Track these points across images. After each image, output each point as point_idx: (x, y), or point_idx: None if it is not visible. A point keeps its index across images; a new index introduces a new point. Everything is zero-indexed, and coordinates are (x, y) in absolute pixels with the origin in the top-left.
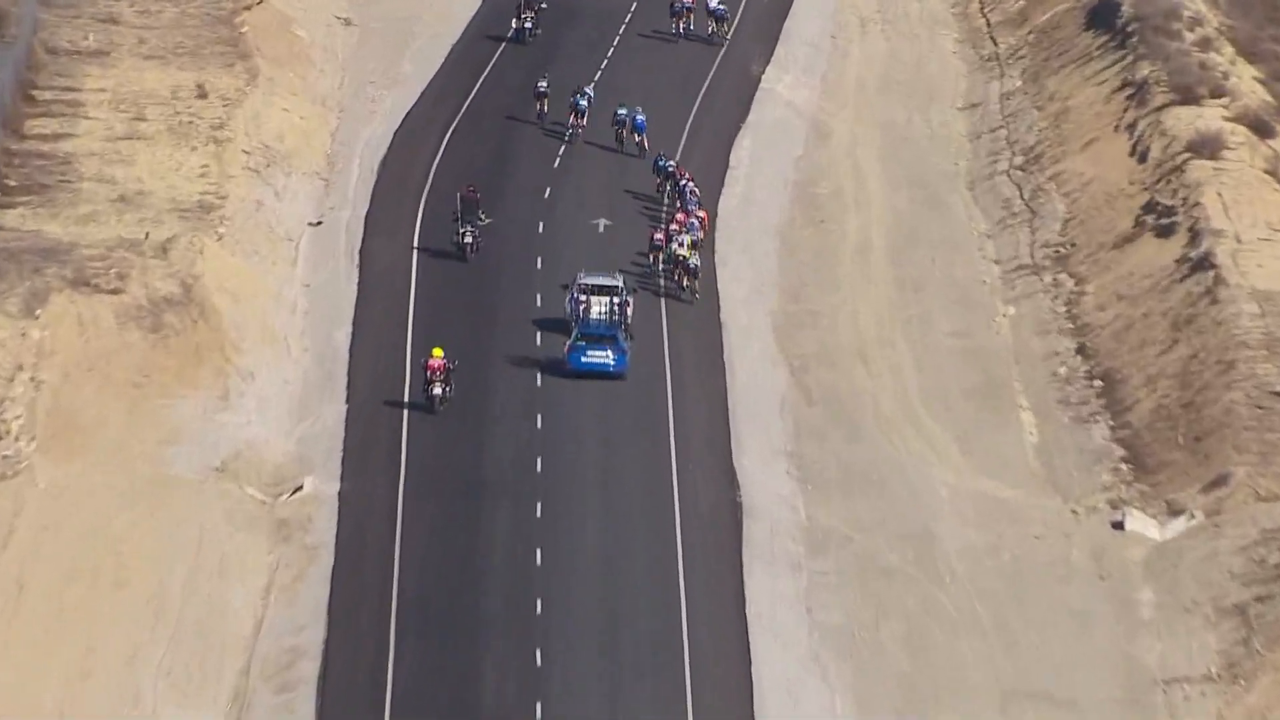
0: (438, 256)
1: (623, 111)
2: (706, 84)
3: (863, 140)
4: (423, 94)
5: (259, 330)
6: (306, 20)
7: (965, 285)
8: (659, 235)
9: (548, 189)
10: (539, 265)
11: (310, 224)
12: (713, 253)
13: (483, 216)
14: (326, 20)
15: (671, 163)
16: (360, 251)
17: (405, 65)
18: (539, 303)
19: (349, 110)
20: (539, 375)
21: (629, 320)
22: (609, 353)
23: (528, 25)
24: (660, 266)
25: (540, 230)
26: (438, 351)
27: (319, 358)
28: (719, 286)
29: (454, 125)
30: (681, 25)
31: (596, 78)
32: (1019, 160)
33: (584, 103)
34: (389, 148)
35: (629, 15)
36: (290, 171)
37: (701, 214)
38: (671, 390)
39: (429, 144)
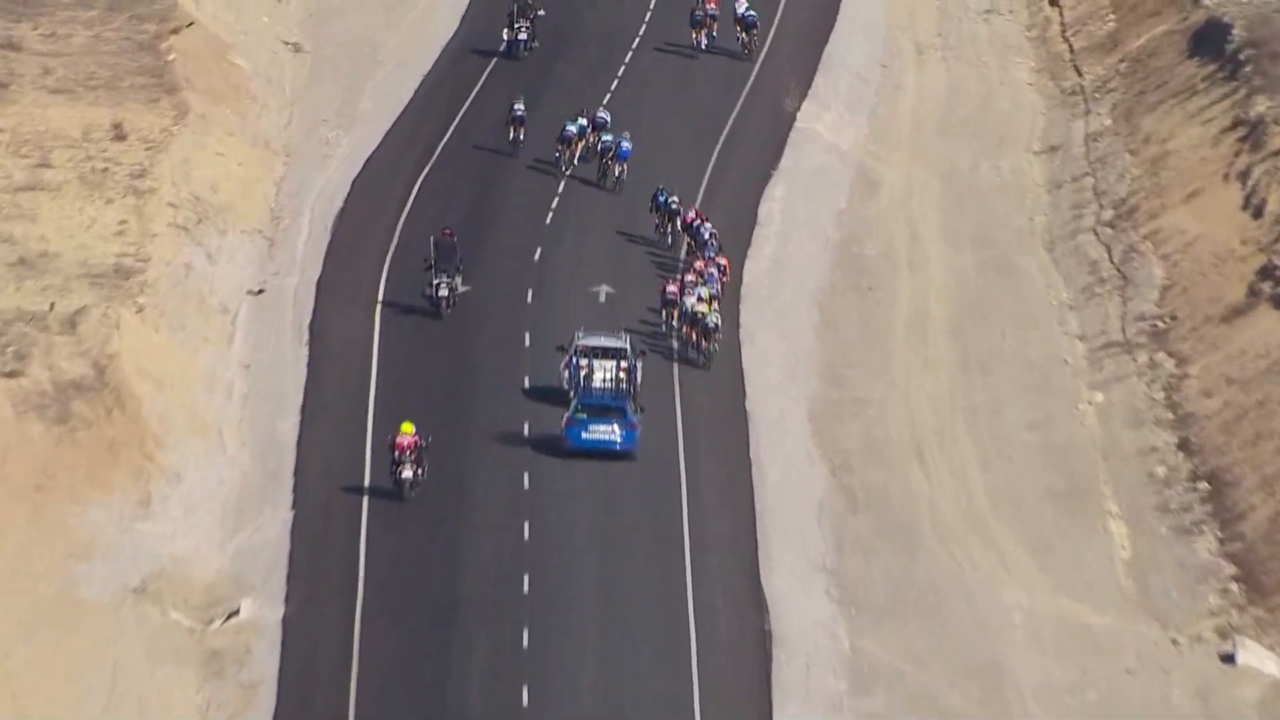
0: (405, 322)
1: (608, 138)
2: (731, 121)
3: (919, 190)
4: (387, 135)
5: (187, 421)
6: (247, 46)
7: (1042, 366)
8: (671, 287)
9: (538, 249)
10: (527, 341)
11: (250, 292)
12: (736, 326)
13: (459, 282)
14: (271, 46)
15: (674, 199)
16: (311, 325)
17: (366, 101)
18: (528, 367)
19: (298, 154)
20: (528, 458)
21: (638, 388)
22: (615, 427)
23: (521, 37)
24: (674, 324)
25: (529, 300)
26: (407, 427)
27: (260, 453)
28: (745, 366)
29: (425, 171)
30: (703, 38)
31: (601, 106)
32: (1108, 215)
33: (573, 129)
34: (346, 200)
35: (642, 27)
36: (226, 229)
37: (722, 261)
38: (686, 485)
39: (394, 195)
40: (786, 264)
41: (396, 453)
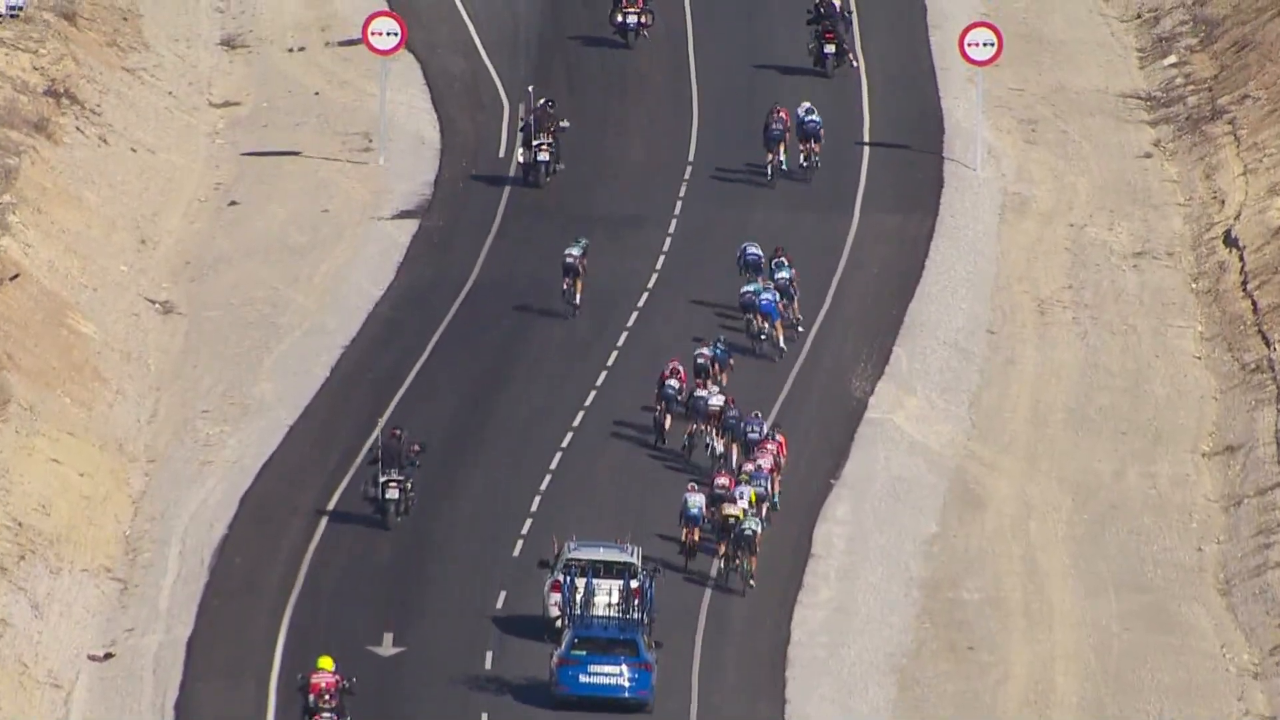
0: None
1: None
2: (776, 409)
3: (1041, 510)
4: (292, 431)
5: None
6: (97, 306)
7: None
8: (702, 492)
9: (501, 594)
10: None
11: (93, 657)
12: (782, 700)
13: (417, 460)
14: (131, 305)
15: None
16: (178, 705)
17: (262, 383)
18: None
19: (165, 461)
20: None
21: (652, 615)
22: (623, 669)
23: (542, 158)
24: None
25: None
26: (326, 663)
27: None
28: None
29: (344, 484)
30: (776, 161)
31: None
32: None
33: (576, 252)
34: (231, 525)
35: (687, 170)
36: (60, 567)
37: (780, 438)
38: None
39: (299, 518)
40: (853, 614)
41: (312, 697)
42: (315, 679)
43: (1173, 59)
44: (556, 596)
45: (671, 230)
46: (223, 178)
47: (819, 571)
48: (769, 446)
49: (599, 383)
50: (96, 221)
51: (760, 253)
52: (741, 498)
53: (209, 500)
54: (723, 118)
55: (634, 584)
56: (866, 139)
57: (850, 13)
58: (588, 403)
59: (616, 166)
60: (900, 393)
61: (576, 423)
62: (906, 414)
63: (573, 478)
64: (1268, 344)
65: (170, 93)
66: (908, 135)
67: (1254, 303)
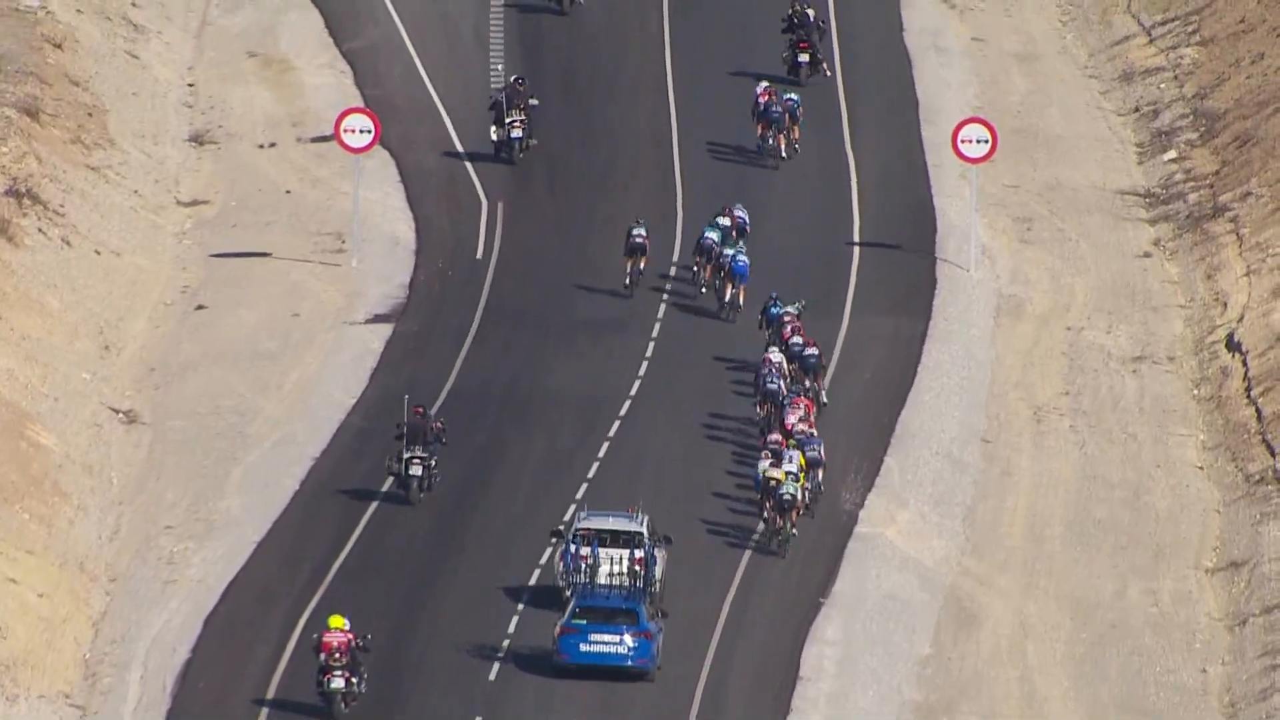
0: None
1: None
2: (765, 515)
3: (1039, 630)
4: (259, 549)
5: None
6: (56, 415)
7: None
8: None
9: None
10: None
11: None
12: None
13: (443, 437)
14: (93, 416)
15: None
16: None
17: (229, 498)
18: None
19: (127, 580)
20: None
21: (658, 585)
22: (624, 637)
23: (516, 134)
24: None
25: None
26: (338, 621)
27: None
28: None
29: (314, 602)
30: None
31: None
32: None
33: (644, 231)
34: (195, 648)
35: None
36: (18, 693)
37: (805, 403)
38: None
39: (267, 640)
40: None
41: (325, 656)
42: (328, 638)
43: (1173, 154)
44: (563, 566)
45: (655, 334)
46: (190, 280)
47: (808, 696)
48: (800, 403)
49: (579, 495)
50: (58, 327)
51: (780, 308)
52: (790, 461)
53: (172, 622)
54: (710, 210)
55: (638, 554)
56: (857, 238)
57: (825, 22)
58: (567, 516)
59: (599, 267)
60: (892, 506)
61: (544, 559)
62: (898, 528)
63: (551, 594)
64: (1273, 454)
65: (136, 191)
66: (899, 234)
67: (1258, 410)
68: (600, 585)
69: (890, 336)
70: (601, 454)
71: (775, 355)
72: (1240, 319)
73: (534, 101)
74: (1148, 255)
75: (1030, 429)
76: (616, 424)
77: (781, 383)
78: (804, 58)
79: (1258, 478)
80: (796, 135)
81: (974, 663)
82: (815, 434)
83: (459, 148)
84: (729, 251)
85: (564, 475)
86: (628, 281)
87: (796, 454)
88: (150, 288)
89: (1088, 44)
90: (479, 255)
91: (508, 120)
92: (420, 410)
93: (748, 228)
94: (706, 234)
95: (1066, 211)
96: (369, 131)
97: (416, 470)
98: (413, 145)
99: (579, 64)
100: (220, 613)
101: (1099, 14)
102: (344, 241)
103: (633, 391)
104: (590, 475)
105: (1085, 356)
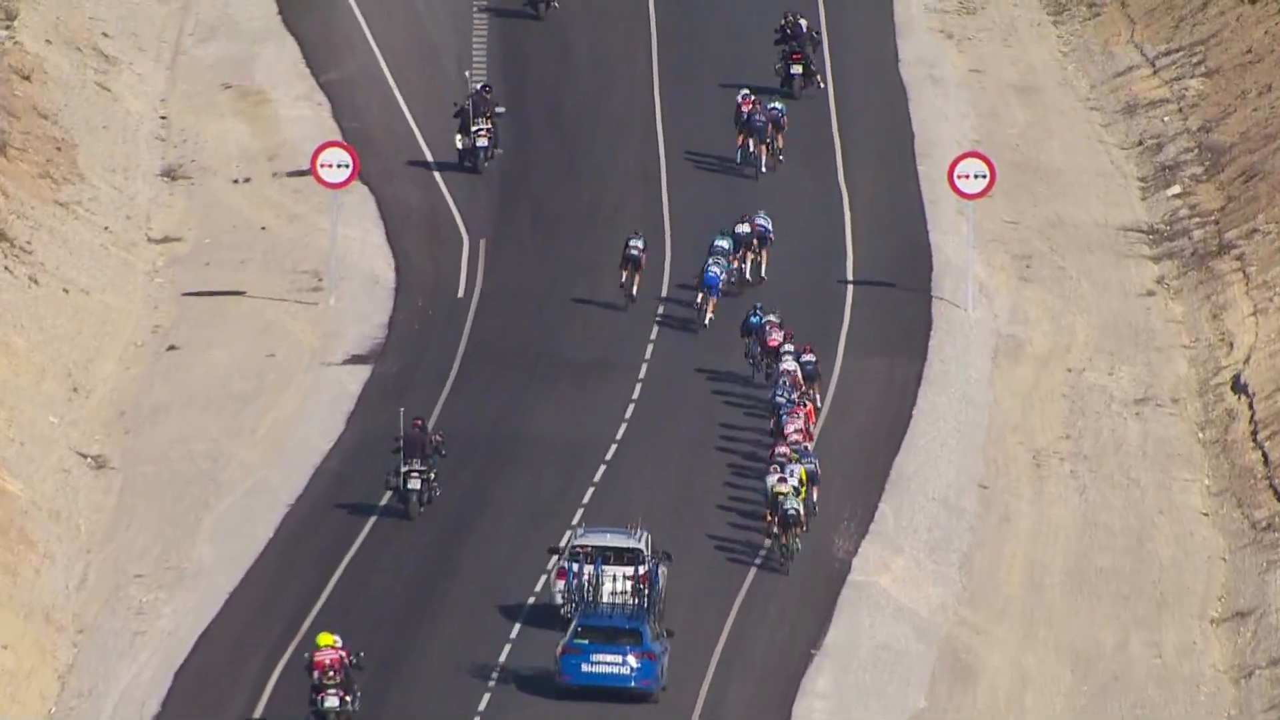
0: None
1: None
2: (752, 573)
3: (1038, 682)
4: (232, 598)
5: None
6: (23, 460)
7: None
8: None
9: None
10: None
11: None
12: None
13: (442, 450)
14: (60, 459)
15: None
16: None
17: (201, 545)
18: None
19: (95, 631)
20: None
21: (661, 603)
22: (628, 658)
23: (481, 144)
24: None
25: None
26: (327, 639)
27: None
28: None
29: (287, 654)
30: (754, 155)
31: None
32: None
33: (640, 244)
34: (165, 702)
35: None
36: None
37: (807, 406)
38: None
39: (239, 695)
40: None
41: (317, 674)
42: (319, 656)
43: (1177, 189)
44: (561, 584)
45: (642, 376)
46: (161, 320)
47: None
48: (800, 413)
49: (562, 544)
50: (25, 369)
51: (760, 318)
52: (792, 475)
53: (141, 675)
54: (699, 253)
55: (643, 570)
56: (850, 277)
57: (819, 33)
58: (550, 565)
59: (585, 308)
60: (886, 553)
61: (538, 587)
62: (893, 576)
63: (533, 646)
64: None
65: (106, 228)
66: (894, 273)
67: (1265, 455)
68: (603, 604)
69: (884, 378)
70: (585, 500)
71: (789, 364)
72: (1247, 360)
73: (500, 110)
74: (1151, 294)
75: (1029, 474)
76: (602, 469)
77: (793, 394)
78: (797, 69)
79: (1265, 524)
80: (781, 145)
81: (971, 716)
82: (810, 447)
83: (440, 183)
84: (714, 271)
85: (548, 524)
86: (624, 292)
87: (798, 468)
88: (120, 328)
89: (1089, 75)
90: (461, 294)
91: (474, 129)
92: (419, 423)
93: (770, 235)
94: (717, 243)
95: (1067, 249)
96: (347, 166)
97: (415, 484)
98: (392, 180)
99: (565, 96)
100: (191, 665)
101: (1101, 44)
102: (321, 280)
103: (619, 435)
104: (575, 523)
105: (1086, 399)
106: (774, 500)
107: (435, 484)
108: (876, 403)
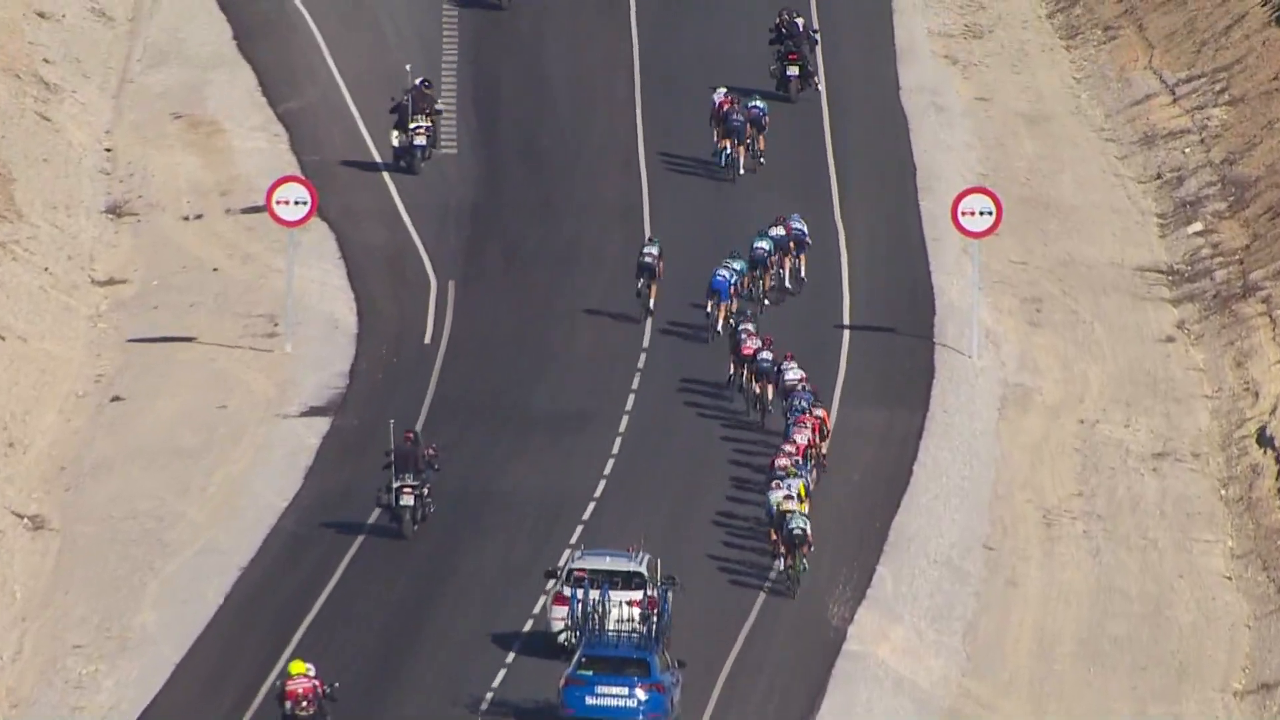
0: None
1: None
2: (739, 644)
3: None
4: (179, 670)
5: None
6: None
7: None
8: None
9: None
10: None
11: None
12: None
13: (435, 464)
14: None
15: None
16: None
17: (146, 611)
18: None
19: (30, 707)
20: None
21: (668, 629)
22: (635, 690)
23: (419, 142)
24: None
25: None
26: (299, 667)
27: None
28: None
29: None
30: (733, 155)
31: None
32: None
33: (655, 251)
34: None
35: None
36: None
37: (820, 413)
38: None
39: None
40: None
41: (289, 704)
42: (290, 685)
43: (1198, 226)
44: (559, 610)
45: (622, 429)
46: (105, 368)
47: None
48: (807, 422)
49: (535, 610)
50: None
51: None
52: (791, 490)
53: None
54: (684, 296)
55: (649, 594)
56: (846, 321)
57: (815, 32)
58: (526, 628)
59: (561, 357)
60: (884, 621)
61: (509, 659)
62: (892, 646)
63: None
64: None
65: (46, 269)
66: (894, 317)
67: None
68: (608, 633)
69: (883, 431)
70: (560, 564)
71: (792, 378)
72: (1273, 411)
73: (440, 108)
74: (1170, 340)
75: (1039, 534)
76: (579, 529)
77: (804, 400)
78: (793, 70)
79: None
80: (762, 146)
81: None
82: (800, 460)
83: (406, 220)
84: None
85: (519, 586)
86: (640, 303)
87: (796, 482)
88: (61, 377)
89: (1104, 103)
90: (427, 340)
91: (411, 126)
92: (411, 436)
93: (807, 239)
94: (757, 245)
95: (1080, 291)
96: (305, 202)
97: (408, 500)
98: (354, 217)
99: (541, 128)
100: None
101: (1116, 70)
102: (277, 325)
103: (597, 493)
104: (548, 589)
105: (1100, 453)
106: (779, 518)
107: (429, 500)
108: (874, 457)
